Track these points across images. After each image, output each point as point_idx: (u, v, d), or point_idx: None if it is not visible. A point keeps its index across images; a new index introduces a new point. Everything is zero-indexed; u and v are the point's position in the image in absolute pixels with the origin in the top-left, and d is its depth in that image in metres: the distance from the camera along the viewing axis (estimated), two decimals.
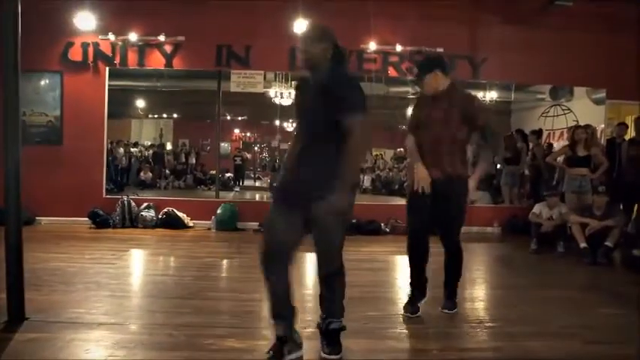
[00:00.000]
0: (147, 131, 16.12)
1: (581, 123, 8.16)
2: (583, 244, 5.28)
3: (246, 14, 6.84)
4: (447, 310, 3.31)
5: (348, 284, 3.30)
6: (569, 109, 9.74)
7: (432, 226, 3.20)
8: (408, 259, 3.29)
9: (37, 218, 6.92)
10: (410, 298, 3.30)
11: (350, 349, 2.60)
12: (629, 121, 7.12)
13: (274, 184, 2.28)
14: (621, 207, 6.02)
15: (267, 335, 2.72)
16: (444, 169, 3.06)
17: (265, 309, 3.45)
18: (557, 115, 10.15)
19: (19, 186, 3.01)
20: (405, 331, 3.08)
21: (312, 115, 2.45)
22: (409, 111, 9.13)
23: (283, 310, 2.44)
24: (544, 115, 10.54)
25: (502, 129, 10.02)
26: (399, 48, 7.04)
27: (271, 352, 2.40)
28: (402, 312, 3.32)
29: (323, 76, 2.44)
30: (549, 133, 10.40)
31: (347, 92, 2.35)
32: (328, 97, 2.34)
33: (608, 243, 5.15)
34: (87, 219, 6.77)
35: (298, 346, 2.48)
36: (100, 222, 6.72)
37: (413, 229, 3.22)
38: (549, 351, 2.74)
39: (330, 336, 2.50)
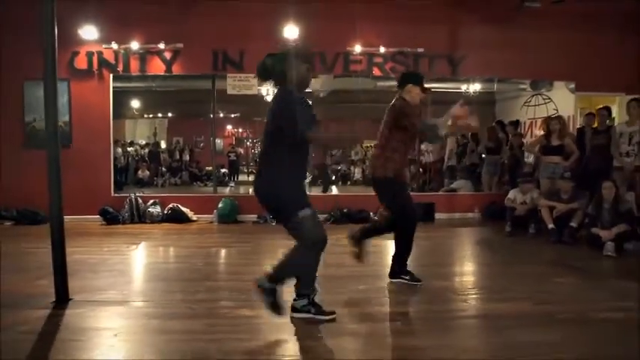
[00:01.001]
0: (141, 130, 16.50)
1: (561, 111, 8.78)
2: (551, 225, 5.89)
3: (239, 20, 7.36)
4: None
5: (338, 265, 3.91)
6: (549, 99, 10.27)
7: None
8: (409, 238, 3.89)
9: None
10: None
11: (342, 315, 3.18)
12: None
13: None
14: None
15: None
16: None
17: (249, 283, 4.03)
18: (539, 105, 10.68)
19: (60, 188, 3.52)
20: (386, 298, 3.66)
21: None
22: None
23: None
24: (526, 104, 11.07)
25: (487, 119, 10.62)
26: (382, 49, 7.59)
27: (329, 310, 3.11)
28: (384, 285, 3.91)
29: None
30: (532, 122, 10.96)
31: None
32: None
33: (572, 224, 5.77)
34: (98, 216, 7.28)
35: None
36: (110, 218, 7.24)
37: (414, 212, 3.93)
38: (505, 309, 3.35)
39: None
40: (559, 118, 7.19)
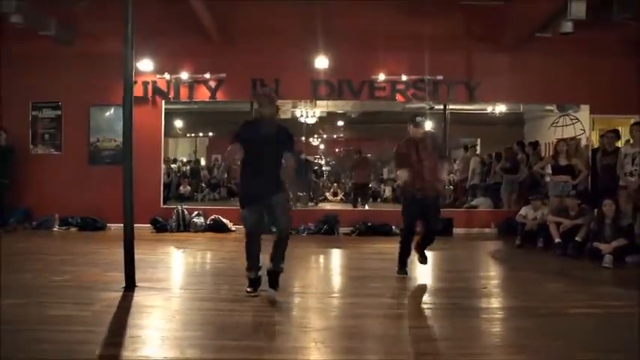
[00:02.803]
0: (183, 148, 17.66)
1: (588, 131, 9.19)
2: (557, 240, 6.39)
3: (275, 52, 8.28)
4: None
5: (360, 267, 4.59)
6: (577, 119, 10.59)
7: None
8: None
9: (107, 225, 8.43)
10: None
11: (362, 303, 3.89)
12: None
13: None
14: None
15: (293, 293, 4.05)
16: None
17: (288, 280, 4.79)
18: (566, 125, 10.95)
19: (132, 197, 4.40)
20: (398, 291, 4.35)
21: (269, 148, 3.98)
22: (425, 125, 10.71)
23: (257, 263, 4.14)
24: (554, 125, 11.38)
25: (515, 139, 11.03)
26: (404, 77, 8.33)
27: (250, 289, 4.05)
28: (396, 283, 4.61)
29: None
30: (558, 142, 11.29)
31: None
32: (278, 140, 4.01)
33: (577, 238, 6.24)
34: (149, 225, 8.24)
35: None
36: (159, 227, 8.18)
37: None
38: (497, 304, 4.03)
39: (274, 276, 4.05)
40: (572, 139, 7.68)
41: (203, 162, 16.91)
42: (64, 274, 4.85)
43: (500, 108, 10.65)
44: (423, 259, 4.95)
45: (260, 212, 4.03)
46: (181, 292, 4.28)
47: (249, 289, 4.07)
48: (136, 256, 5.76)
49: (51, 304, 3.74)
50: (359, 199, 10.88)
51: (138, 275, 4.53)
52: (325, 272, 5.63)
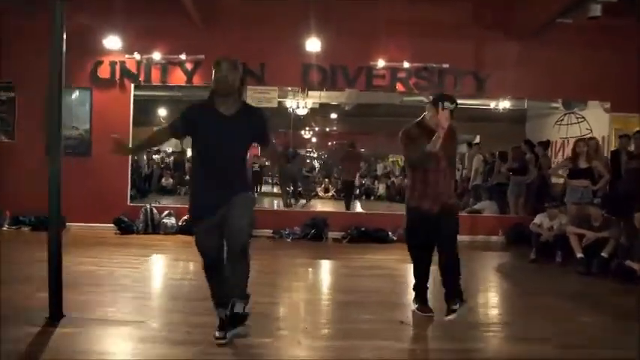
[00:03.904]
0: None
1: (595, 131, 8.37)
2: (579, 255, 5.54)
3: (261, 33, 7.28)
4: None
5: (352, 289, 3.67)
6: (582, 118, 9.85)
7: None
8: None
9: (67, 224, 7.44)
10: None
11: (348, 348, 2.96)
12: None
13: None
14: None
15: (275, 333, 3.11)
16: None
17: (274, 310, 3.87)
18: (571, 124, 10.26)
19: (59, 195, 3.44)
20: (398, 333, 3.42)
21: (226, 137, 2.93)
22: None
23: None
24: (558, 123, 10.65)
25: (516, 138, 10.26)
26: (406, 64, 7.38)
27: (219, 334, 2.98)
28: (397, 317, 3.67)
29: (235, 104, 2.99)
30: (564, 142, 10.55)
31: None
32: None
33: (603, 254, 5.39)
34: (112, 225, 7.27)
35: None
36: (124, 228, 7.21)
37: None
38: (525, 352, 3.06)
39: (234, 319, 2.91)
40: (590, 139, 6.82)
41: (189, 153, 15.98)
42: None
43: (505, 104, 9.86)
44: (452, 307, 3.40)
45: (218, 231, 2.90)
46: (121, 326, 3.31)
47: (217, 335, 2.98)
48: (82, 268, 4.93)
49: None
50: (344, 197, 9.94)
51: (73, 297, 3.65)
52: (309, 296, 4.62)
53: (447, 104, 3.40)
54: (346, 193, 10.01)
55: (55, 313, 3.35)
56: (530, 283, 5.17)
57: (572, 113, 10.13)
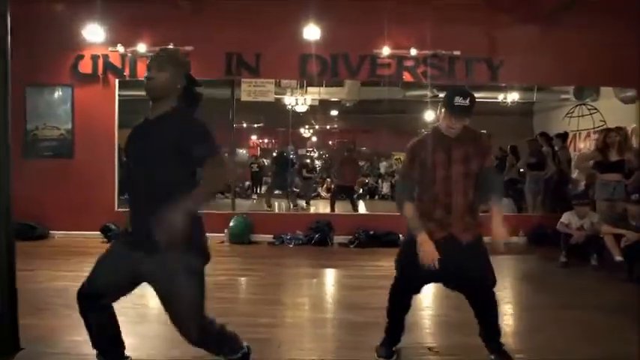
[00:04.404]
0: None
1: (609, 123, 7.81)
2: (618, 258, 4.95)
3: (255, 21, 6.71)
4: None
5: (364, 306, 3.05)
6: (595, 109, 9.40)
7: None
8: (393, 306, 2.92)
9: (50, 232, 6.87)
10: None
11: None
12: None
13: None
14: None
15: None
16: None
17: (276, 334, 3.28)
18: (583, 116, 9.82)
19: (9, 204, 2.87)
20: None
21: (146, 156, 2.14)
22: (426, 115, 8.81)
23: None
24: (569, 115, 10.20)
25: (523, 132, 9.73)
26: (413, 52, 6.78)
27: None
28: (423, 341, 3.08)
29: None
30: (575, 135, 10.03)
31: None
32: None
33: None
34: (99, 233, 6.68)
35: None
36: (111, 236, 6.59)
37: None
38: None
39: None
40: (619, 129, 6.24)
41: None
42: None
43: (513, 96, 9.33)
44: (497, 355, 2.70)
45: (125, 268, 2.13)
46: None
47: None
48: (58, 284, 4.36)
49: None
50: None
51: (39, 322, 3.20)
52: (316, 314, 4.01)
53: (458, 99, 2.50)
54: (348, 197, 9.40)
55: (10, 346, 2.76)
56: (563, 293, 4.53)
57: (584, 104, 9.65)
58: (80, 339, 3.04)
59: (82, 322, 3.32)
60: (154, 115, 2.15)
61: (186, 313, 2.09)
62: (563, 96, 9.74)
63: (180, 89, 2.17)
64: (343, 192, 9.42)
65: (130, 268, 2.10)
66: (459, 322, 3.55)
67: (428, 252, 2.50)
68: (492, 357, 2.71)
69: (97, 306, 2.19)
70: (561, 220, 5.66)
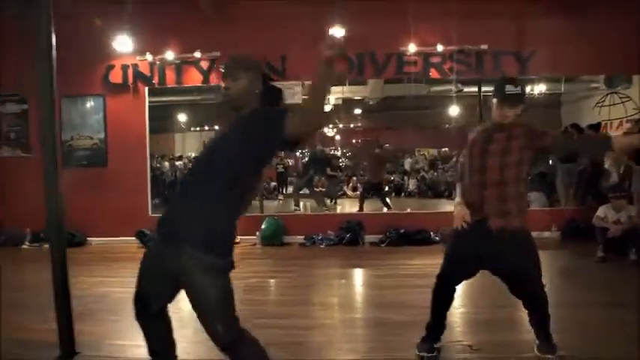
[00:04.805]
0: (190, 144, 16.46)
1: None
2: None
3: (280, 23, 6.76)
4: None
5: (398, 305, 3.05)
6: (627, 97, 9.11)
7: None
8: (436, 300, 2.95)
9: (87, 239, 7.09)
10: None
11: None
12: None
13: None
14: None
15: None
16: None
17: (312, 336, 3.33)
18: (614, 104, 9.53)
19: (62, 218, 2.98)
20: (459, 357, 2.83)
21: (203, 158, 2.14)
22: (451, 110, 8.81)
23: None
24: (599, 104, 9.92)
25: (551, 123, 9.53)
26: (440, 48, 6.73)
27: None
28: (458, 339, 3.09)
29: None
30: (606, 124, 9.78)
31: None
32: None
33: None
34: (134, 238, 6.85)
35: None
36: (147, 242, 6.75)
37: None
38: None
39: None
40: None
41: None
42: None
43: (540, 87, 9.14)
44: (546, 349, 2.80)
45: (164, 273, 2.05)
46: None
47: None
48: (101, 290, 4.51)
49: None
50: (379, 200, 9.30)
51: (88, 329, 3.27)
52: (352, 314, 4.04)
53: (508, 88, 2.58)
54: (377, 195, 9.38)
55: (67, 350, 2.89)
56: (604, 290, 4.43)
57: (615, 93, 9.38)
58: (128, 343, 3.18)
59: (126, 326, 3.48)
60: (225, 128, 2.12)
61: (214, 314, 2.01)
62: (593, 85, 9.49)
63: (259, 93, 2.11)
64: (372, 190, 9.42)
65: (165, 268, 2.03)
66: (487, 320, 3.56)
67: (458, 213, 2.68)
68: (537, 342, 2.80)
69: (147, 310, 2.20)
70: (597, 213, 5.54)
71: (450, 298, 2.86)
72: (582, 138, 2.82)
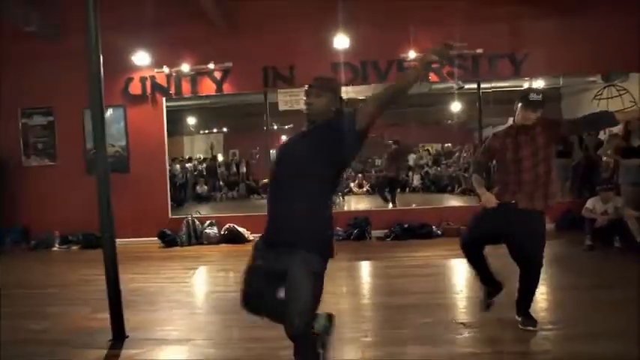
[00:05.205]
0: (198, 146, 16.93)
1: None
2: None
3: (288, 35, 7.22)
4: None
5: (404, 292, 3.49)
6: (625, 90, 9.41)
7: None
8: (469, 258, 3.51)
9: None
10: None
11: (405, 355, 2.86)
12: None
13: None
14: None
15: (338, 346, 3.03)
16: None
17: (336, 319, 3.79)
18: (612, 97, 9.81)
19: (112, 217, 3.44)
20: (459, 336, 3.29)
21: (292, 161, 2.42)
22: (453, 106, 9.48)
23: None
24: (597, 97, 10.20)
25: (552, 116, 9.85)
26: None
27: None
28: (457, 318, 3.56)
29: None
30: None
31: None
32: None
33: None
34: (156, 238, 7.35)
35: None
36: (168, 241, 7.28)
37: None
38: (599, 356, 2.91)
39: None
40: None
41: (220, 158, 16.14)
42: (44, 319, 3.97)
43: (539, 83, 9.51)
44: (525, 321, 3.33)
45: (268, 274, 2.33)
46: (184, 345, 3.32)
47: None
48: (134, 285, 4.99)
49: None
50: (388, 194, 9.76)
51: (131, 317, 3.68)
52: (362, 300, 4.52)
53: (532, 96, 3.21)
54: (390, 189, 9.86)
55: (118, 334, 3.38)
56: (589, 274, 4.91)
57: (613, 86, 9.68)
58: (168, 328, 3.67)
59: (165, 314, 3.97)
60: (306, 133, 2.45)
61: (301, 306, 2.18)
62: (591, 79, 9.76)
63: (334, 110, 2.43)
64: (389, 184, 9.90)
65: (276, 269, 2.26)
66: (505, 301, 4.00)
67: (488, 198, 3.25)
68: (519, 318, 3.31)
69: (253, 307, 2.43)
70: (586, 205, 5.98)
71: (480, 252, 3.40)
72: (587, 116, 3.39)
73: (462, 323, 3.50)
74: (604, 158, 8.04)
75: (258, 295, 2.36)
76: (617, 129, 6.77)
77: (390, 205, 9.29)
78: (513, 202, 3.22)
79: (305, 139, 2.42)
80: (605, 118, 3.33)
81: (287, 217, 2.28)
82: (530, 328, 3.26)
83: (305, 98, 2.45)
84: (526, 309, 3.34)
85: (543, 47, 7.16)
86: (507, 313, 3.47)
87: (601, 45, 7.06)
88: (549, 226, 7.17)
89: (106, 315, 3.50)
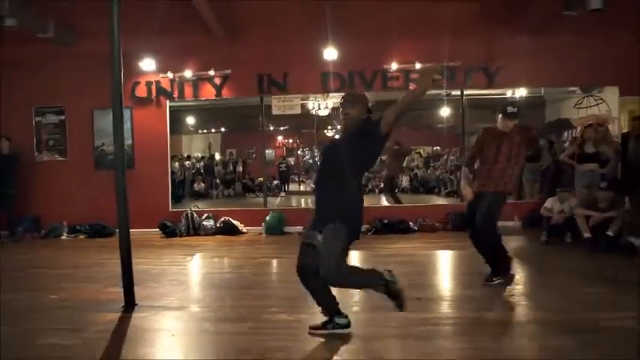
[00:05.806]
0: (196, 145, 17.52)
1: (614, 112, 8.60)
2: (587, 234, 5.95)
3: (282, 45, 7.92)
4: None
5: None
6: (601, 100, 10.05)
7: None
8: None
9: (117, 230, 8.21)
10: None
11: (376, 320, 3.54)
12: None
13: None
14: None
15: (310, 310, 3.69)
16: None
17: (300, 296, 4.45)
18: (590, 106, 10.44)
19: (127, 207, 4.12)
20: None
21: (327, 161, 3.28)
22: (441, 111, 10.50)
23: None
24: (577, 106, 10.86)
25: (537, 123, 10.48)
26: (418, 65, 7.84)
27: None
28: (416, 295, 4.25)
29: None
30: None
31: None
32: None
33: (609, 232, 5.78)
34: (157, 230, 8.01)
35: None
36: (168, 232, 7.94)
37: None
38: (527, 317, 3.67)
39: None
40: (599, 126, 7.16)
41: (218, 157, 16.73)
42: (61, 291, 4.63)
43: (521, 92, 10.16)
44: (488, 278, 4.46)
45: (309, 243, 3.15)
46: (183, 311, 3.98)
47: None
48: (140, 267, 5.59)
49: (41, 331, 3.50)
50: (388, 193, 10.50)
51: (138, 291, 4.28)
52: None
53: (510, 109, 4.26)
54: (390, 188, 10.58)
55: (129, 302, 4.04)
56: (543, 262, 5.62)
57: (591, 96, 10.32)
58: (171, 298, 4.34)
59: (167, 289, 4.63)
60: (339, 140, 3.33)
61: (330, 254, 2.96)
62: (570, 88, 10.36)
63: (364, 119, 3.11)
64: (389, 182, 10.62)
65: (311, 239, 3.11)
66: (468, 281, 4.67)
67: (466, 193, 4.52)
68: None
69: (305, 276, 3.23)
70: (545, 205, 6.69)
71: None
72: (551, 122, 4.46)
73: (418, 298, 4.17)
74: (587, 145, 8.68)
75: (304, 266, 3.19)
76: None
77: (386, 202, 9.94)
78: (484, 189, 4.32)
79: (342, 145, 3.16)
80: (565, 123, 4.22)
81: (325, 203, 3.10)
82: (492, 282, 4.34)
83: (342, 109, 3.14)
84: (492, 266, 4.41)
85: (516, 61, 7.84)
86: (463, 291, 4.17)
87: (573, 60, 7.77)
88: (516, 223, 7.96)
89: (116, 289, 4.17)
